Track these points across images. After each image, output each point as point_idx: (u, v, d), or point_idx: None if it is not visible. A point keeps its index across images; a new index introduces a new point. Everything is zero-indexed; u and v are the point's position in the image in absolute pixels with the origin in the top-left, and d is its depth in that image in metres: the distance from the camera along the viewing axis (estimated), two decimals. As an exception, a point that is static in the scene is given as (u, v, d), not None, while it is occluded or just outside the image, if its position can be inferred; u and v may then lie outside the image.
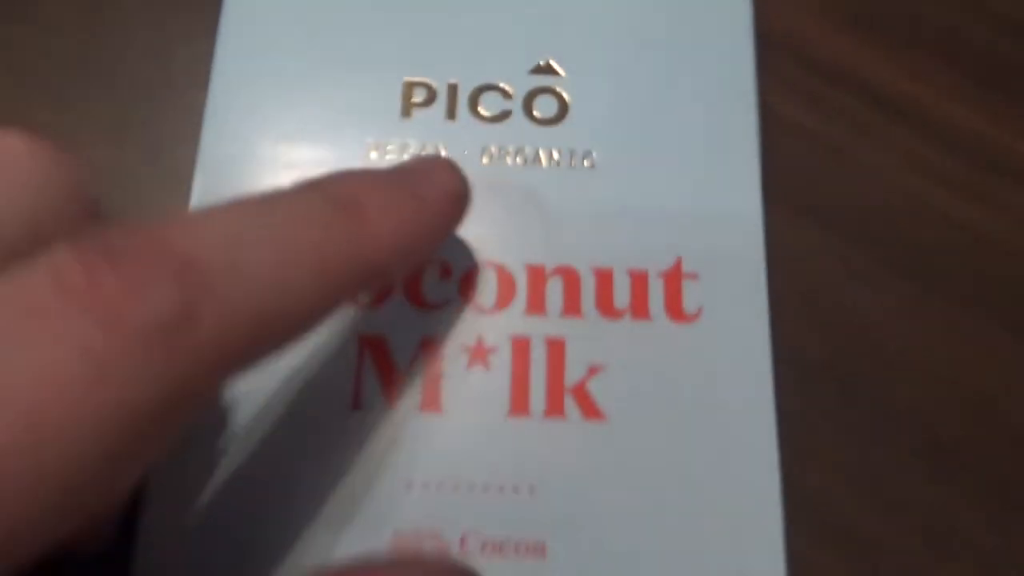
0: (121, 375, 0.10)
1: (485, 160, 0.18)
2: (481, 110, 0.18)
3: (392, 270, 0.14)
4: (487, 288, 0.17)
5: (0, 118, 0.20)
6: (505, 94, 0.18)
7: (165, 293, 0.10)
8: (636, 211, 0.18)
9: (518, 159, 0.18)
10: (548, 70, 0.19)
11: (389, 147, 0.18)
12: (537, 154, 0.18)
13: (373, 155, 0.18)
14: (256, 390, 0.16)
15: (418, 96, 0.18)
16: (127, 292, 0.10)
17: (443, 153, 0.18)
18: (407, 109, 0.18)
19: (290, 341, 0.13)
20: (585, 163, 0.18)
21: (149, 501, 0.15)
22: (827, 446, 0.17)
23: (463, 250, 0.17)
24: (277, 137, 0.18)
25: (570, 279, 0.17)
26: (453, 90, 0.18)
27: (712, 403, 0.16)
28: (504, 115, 0.18)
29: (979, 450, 0.18)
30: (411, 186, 0.15)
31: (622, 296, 0.17)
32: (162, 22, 0.20)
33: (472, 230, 0.17)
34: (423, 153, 0.18)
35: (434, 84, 0.18)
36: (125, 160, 0.19)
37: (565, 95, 0.19)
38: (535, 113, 0.18)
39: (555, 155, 0.18)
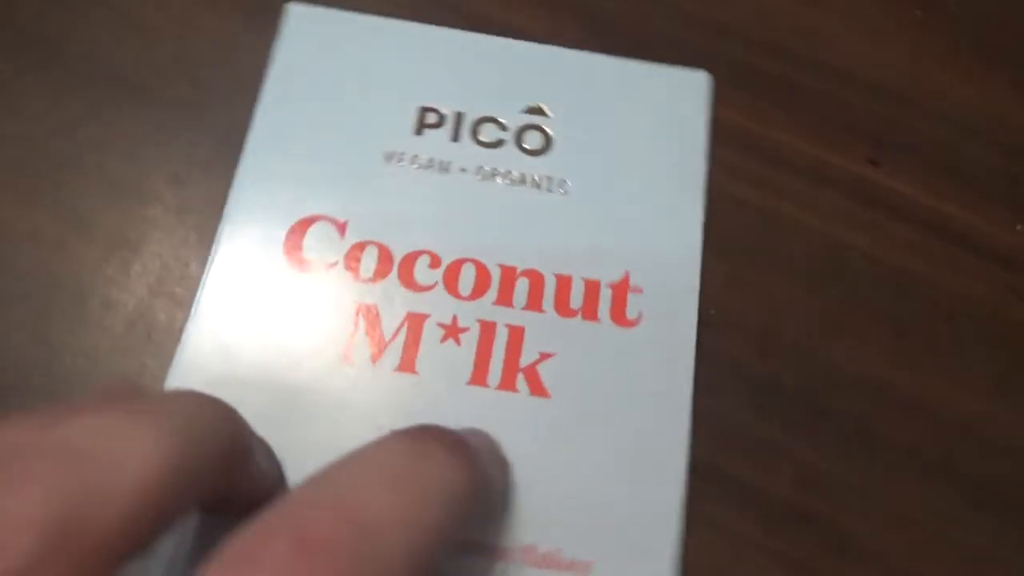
0: None
1: (479, 177, 0.22)
2: (481, 137, 0.22)
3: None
4: (466, 279, 0.21)
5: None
6: (501, 126, 0.22)
7: None
8: (596, 233, 0.21)
9: (506, 180, 0.22)
10: (538, 111, 0.23)
11: (402, 157, 0.22)
12: (522, 177, 0.22)
13: (383, 163, 0.22)
14: (271, 343, 0.20)
15: (430, 119, 0.22)
16: None
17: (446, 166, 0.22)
18: (419, 128, 0.22)
19: None
20: (560, 190, 0.22)
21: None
22: (741, 438, 0.21)
23: (452, 247, 0.21)
24: (300, 157, 0.22)
25: (535, 280, 0.21)
26: (459, 117, 0.22)
27: (638, 393, 0.20)
28: (499, 143, 0.22)
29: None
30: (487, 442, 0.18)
31: (576, 299, 0.21)
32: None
33: (459, 232, 0.21)
34: (431, 163, 0.22)
35: (444, 110, 0.22)
36: (171, 163, 0.23)
37: (550, 132, 0.22)
38: (525, 145, 0.22)
39: (536, 179, 0.22)
